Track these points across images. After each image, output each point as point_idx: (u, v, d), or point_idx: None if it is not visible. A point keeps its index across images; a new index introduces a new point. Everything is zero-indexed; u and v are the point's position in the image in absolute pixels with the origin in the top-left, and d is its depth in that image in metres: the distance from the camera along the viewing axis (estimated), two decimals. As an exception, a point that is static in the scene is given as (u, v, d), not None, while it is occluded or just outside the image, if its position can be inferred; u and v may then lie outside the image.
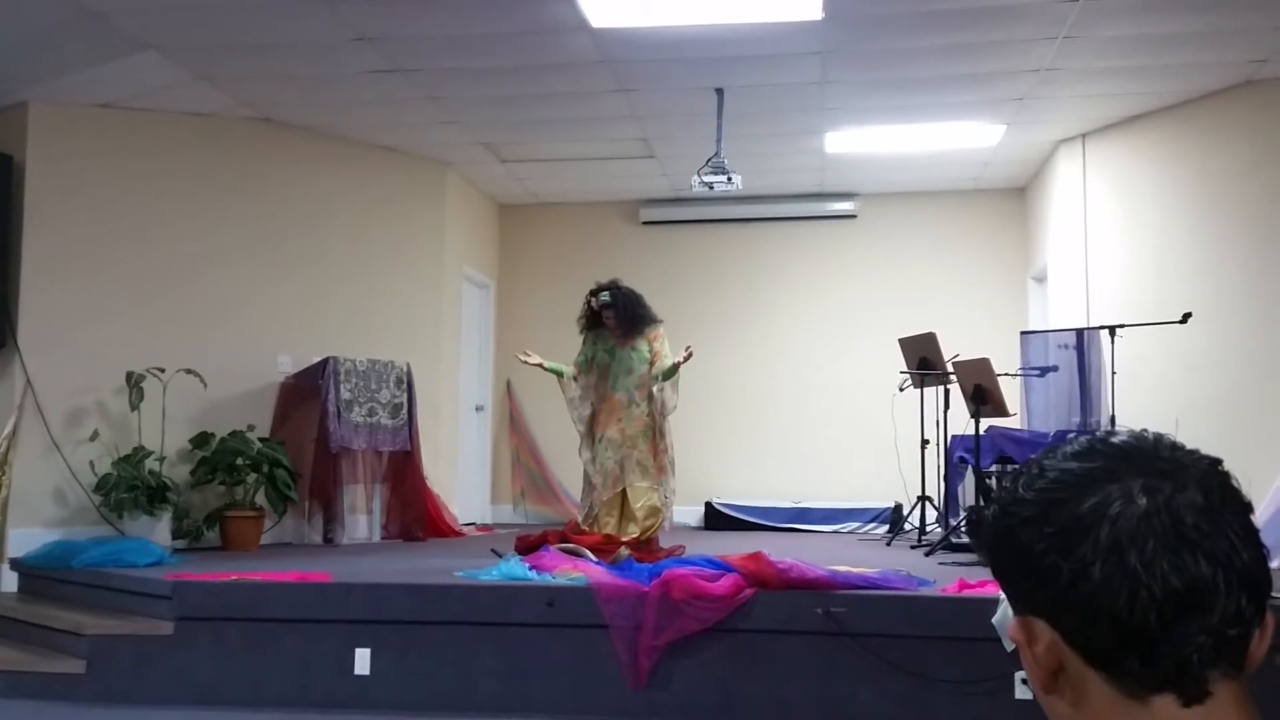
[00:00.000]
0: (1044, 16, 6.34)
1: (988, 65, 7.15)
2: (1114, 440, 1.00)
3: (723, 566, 5.25)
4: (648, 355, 6.59)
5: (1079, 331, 7.80)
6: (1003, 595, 1.04)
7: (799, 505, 9.86)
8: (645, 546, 6.36)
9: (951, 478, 7.83)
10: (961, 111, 8.13)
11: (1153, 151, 8.05)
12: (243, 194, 8.28)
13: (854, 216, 10.56)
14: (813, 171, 9.82)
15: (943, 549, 6.98)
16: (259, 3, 6.17)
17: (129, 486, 7.11)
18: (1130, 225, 8.21)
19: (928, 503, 7.91)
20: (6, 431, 7.11)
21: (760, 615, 5.05)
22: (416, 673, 5.19)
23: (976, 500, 7.43)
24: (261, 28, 6.52)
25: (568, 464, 9.50)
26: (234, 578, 5.64)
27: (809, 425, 10.38)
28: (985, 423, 7.31)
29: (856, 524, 9.60)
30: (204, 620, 5.39)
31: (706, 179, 7.71)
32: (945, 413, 7.72)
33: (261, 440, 7.75)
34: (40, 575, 6.55)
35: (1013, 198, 10.35)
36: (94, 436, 7.34)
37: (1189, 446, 0.99)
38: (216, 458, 7.52)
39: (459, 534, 8.70)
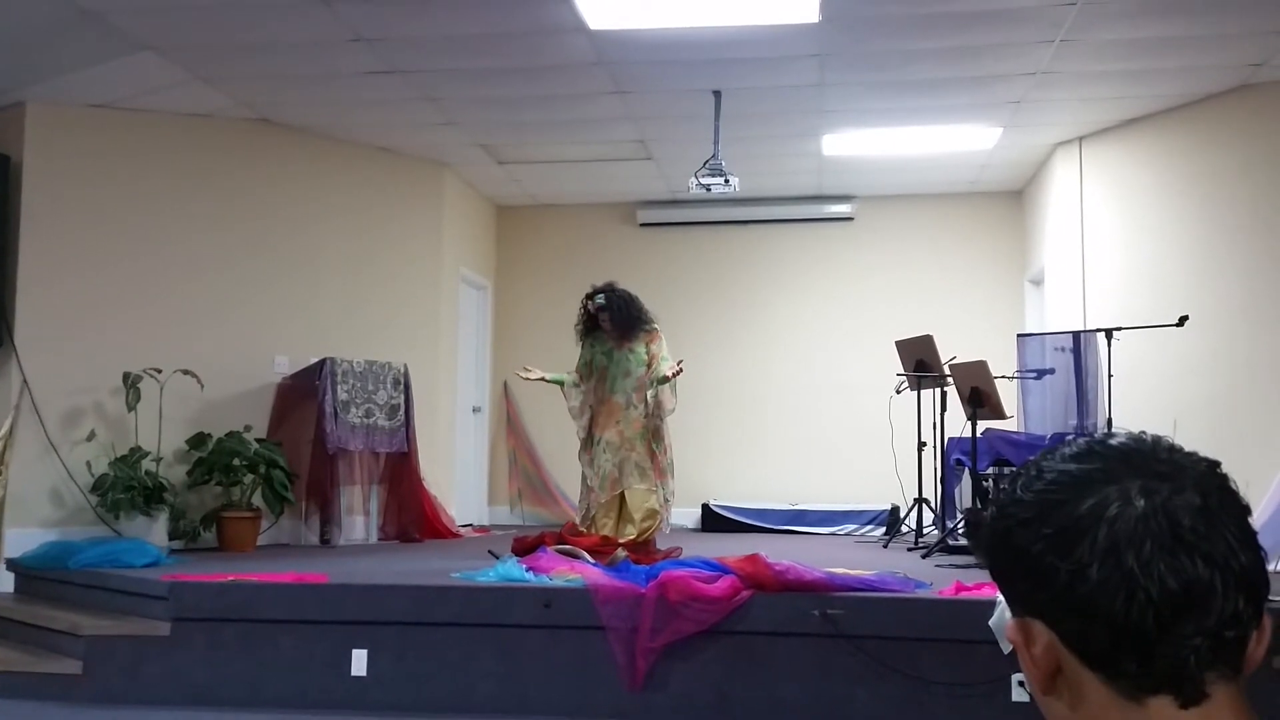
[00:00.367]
0: (1041, 20, 6.34)
1: (985, 68, 7.16)
2: (1112, 442, 1.00)
3: (720, 568, 5.26)
4: (645, 358, 6.61)
5: (1076, 334, 7.81)
6: (1000, 597, 1.04)
7: (796, 507, 9.86)
8: (642, 548, 6.37)
9: (948, 480, 7.84)
10: (958, 114, 8.14)
11: (1150, 155, 8.06)
12: (240, 195, 8.28)
13: (851, 219, 10.56)
14: (810, 174, 9.82)
15: (940, 551, 6.99)
16: (256, 3, 6.17)
17: (126, 487, 7.10)
18: (1127, 228, 8.22)
19: (924, 505, 7.91)
20: (3, 432, 7.10)
21: (757, 617, 5.05)
22: (413, 674, 5.19)
23: (973, 502, 7.43)
24: (259, 28, 6.51)
25: (565, 465, 9.51)
26: (231, 578, 5.63)
27: (806, 427, 10.38)
28: (982, 425, 7.31)
29: (853, 526, 9.60)
30: (200, 621, 5.39)
31: (704, 181, 7.72)
32: (942, 415, 7.72)
33: (258, 441, 7.75)
34: (37, 576, 6.54)
35: (1010, 200, 10.36)
36: (91, 437, 7.33)
37: (1187, 449, 1.00)
38: (213, 458, 7.52)
39: (456, 535, 8.70)
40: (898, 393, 8.13)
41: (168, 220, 7.94)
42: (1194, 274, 7.49)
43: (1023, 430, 7.94)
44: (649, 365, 6.60)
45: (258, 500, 7.66)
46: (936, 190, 10.29)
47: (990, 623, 4.62)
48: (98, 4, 6.13)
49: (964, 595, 5.06)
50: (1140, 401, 7.38)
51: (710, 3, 6.26)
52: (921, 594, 5.19)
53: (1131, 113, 8.01)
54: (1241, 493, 0.98)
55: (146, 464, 7.33)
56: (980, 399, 7.15)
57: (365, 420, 8.24)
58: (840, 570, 5.44)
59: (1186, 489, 0.95)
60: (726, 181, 7.68)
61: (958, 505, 7.82)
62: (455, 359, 9.88)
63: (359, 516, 8.30)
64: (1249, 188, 7.15)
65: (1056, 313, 9.07)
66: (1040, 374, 7.81)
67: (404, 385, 8.48)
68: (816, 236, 10.62)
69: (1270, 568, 1.17)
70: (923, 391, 8.03)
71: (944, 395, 7.76)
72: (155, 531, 7.20)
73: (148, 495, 7.18)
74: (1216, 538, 0.94)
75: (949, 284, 10.33)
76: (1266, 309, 6.93)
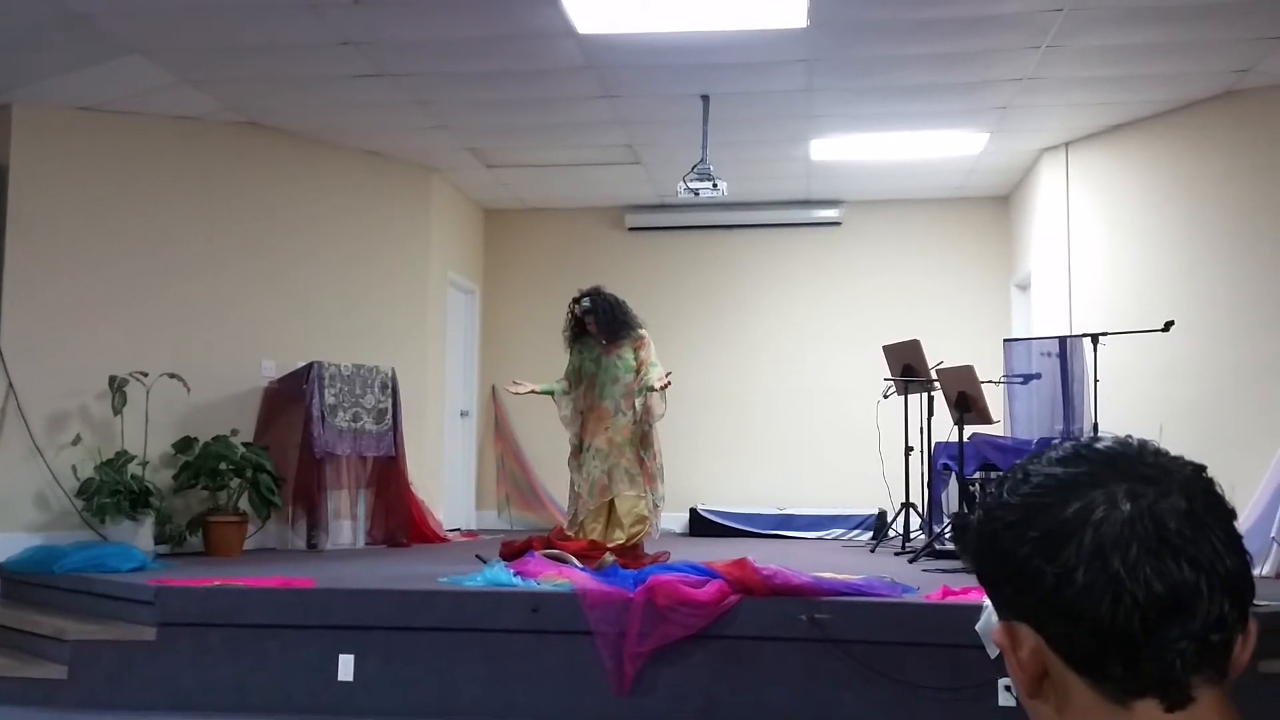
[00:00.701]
0: (1028, 26, 6.37)
1: (972, 74, 7.19)
2: (1098, 446, 1.00)
3: (707, 573, 5.26)
4: (634, 364, 6.61)
5: (1062, 339, 7.83)
6: (987, 601, 1.05)
7: (783, 512, 9.86)
8: (630, 553, 6.36)
9: (935, 484, 7.85)
10: (945, 120, 8.16)
11: (1135, 160, 8.10)
12: (228, 198, 8.26)
13: (839, 223, 10.58)
14: (798, 178, 9.84)
15: (926, 556, 7.00)
16: (245, 6, 6.16)
17: (111, 491, 7.08)
18: (1113, 233, 8.25)
19: (912, 509, 7.92)
20: (-12, 436, 7.07)
21: (745, 621, 5.05)
22: (400, 679, 5.17)
23: (960, 507, 7.45)
24: (247, 31, 6.50)
25: (553, 469, 9.49)
26: (217, 583, 5.61)
27: (793, 432, 10.39)
28: (969, 430, 7.33)
29: (841, 530, 9.61)
30: (186, 626, 5.37)
31: (692, 185, 7.72)
32: (929, 420, 7.73)
33: (245, 445, 7.72)
34: (22, 580, 6.51)
35: (996, 206, 10.39)
36: (76, 441, 7.31)
37: (1172, 453, 1.00)
38: (200, 463, 7.50)
39: (443, 539, 8.68)
40: (885, 397, 8.14)
41: (155, 224, 7.92)
42: (1180, 279, 7.52)
43: (1009, 435, 7.96)
44: (637, 371, 6.60)
45: (244, 504, 7.64)
46: (924, 195, 10.32)
47: (977, 627, 4.63)
48: (86, 6, 6.12)
49: (951, 600, 5.07)
50: (1126, 406, 7.41)
51: (699, 7, 6.27)
52: (908, 598, 5.20)
53: (1117, 119, 8.04)
54: (1227, 497, 0.98)
55: (132, 468, 7.30)
56: (967, 404, 7.16)
57: (353, 424, 8.22)
58: (828, 575, 5.45)
59: (1172, 493, 0.95)
60: (715, 186, 7.69)
61: (944, 510, 7.83)
62: (443, 363, 9.87)
63: (346, 521, 8.28)
64: (1234, 193, 7.18)
65: (1043, 318, 9.10)
66: (1027, 379, 7.83)
67: (392, 389, 8.46)
68: (804, 241, 10.63)
69: (1255, 572, 1.18)
70: (910, 396, 8.05)
71: (931, 400, 7.77)
72: (141, 536, 7.17)
73: (133, 499, 7.15)
74: (1202, 541, 0.94)
75: (936, 289, 10.36)
76: (1252, 313, 6.96)
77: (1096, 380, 6.97)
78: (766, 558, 5.67)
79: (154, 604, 5.42)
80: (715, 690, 5.02)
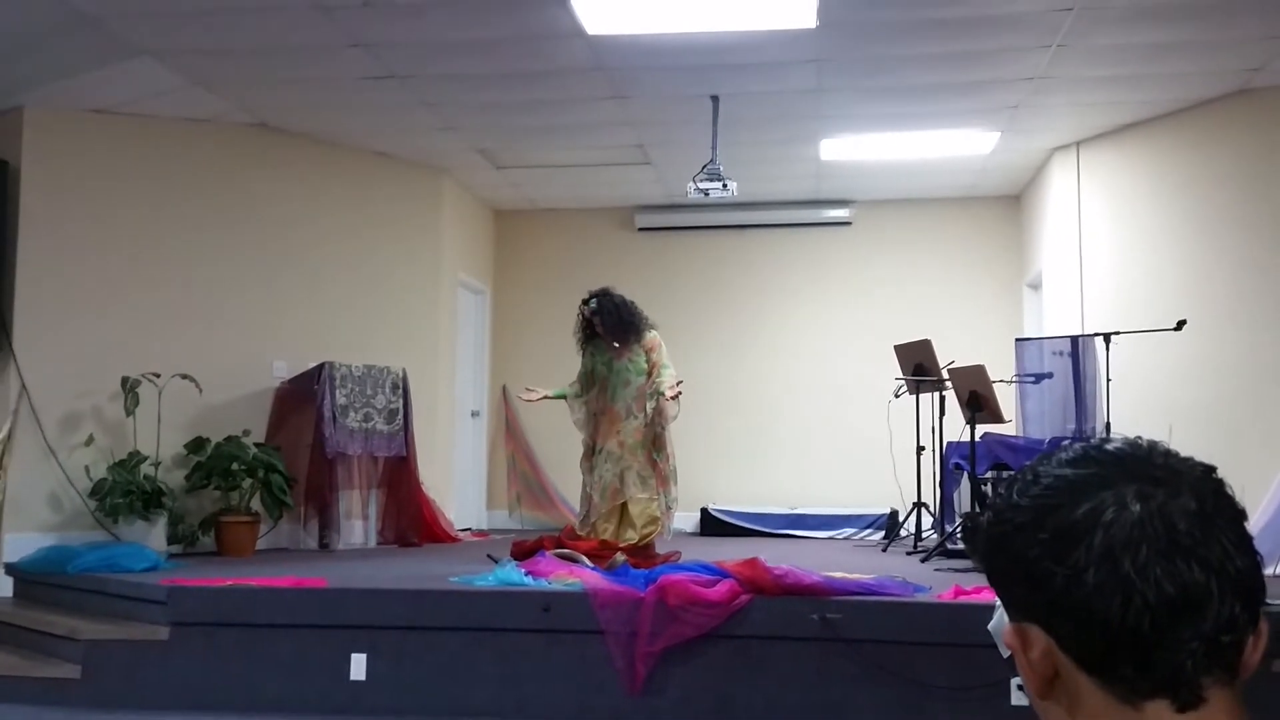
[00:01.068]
0: (1038, 25, 6.36)
1: (982, 73, 7.17)
2: (1108, 447, 1.01)
3: (719, 572, 5.26)
4: (645, 367, 6.60)
5: (1074, 338, 7.82)
6: (998, 601, 1.05)
7: (795, 511, 9.86)
8: (642, 552, 6.37)
9: (947, 484, 7.84)
10: (956, 119, 8.15)
11: (1147, 159, 8.07)
12: (238, 199, 8.28)
13: (849, 223, 10.57)
14: (808, 178, 9.83)
15: (938, 555, 6.99)
16: (255, 8, 6.18)
17: (124, 491, 7.10)
18: (1124, 232, 8.23)
19: (923, 509, 7.91)
20: (2, 436, 7.10)
21: (756, 621, 5.05)
22: (412, 678, 5.19)
23: (972, 506, 7.44)
24: (258, 33, 6.52)
25: (564, 469, 9.51)
26: (229, 583, 5.63)
27: (805, 431, 10.39)
28: (980, 429, 7.32)
29: (852, 530, 9.60)
30: (199, 625, 5.39)
31: (702, 185, 7.72)
32: (940, 419, 7.73)
33: (257, 445, 7.75)
34: (35, 580, 6.54)
35: (1007, 205, 10.37)
36: (89, 441, 7.33)
37: (1183, 454, 1.00)
38: (212, 463, 7.52)
39: (455, 539, 8.70)
40: (896, 397, 8.13)
41: (166, 225, 7.94)
42: (1191, 278, 7.50)
43: (1021, 434, 7.95)
44: (649, 374, 6.59)
45: (256, 505, 7.67)
46: (934, 195, 10.30)
47: (989, 627, 4.62)
48: (96, 9, 6.14)
49: (963, 599, 5.07)
50: (1136, 406, 7.39)
51: (708, 8, 6.27)
52: (920, 598, 5.20)
53: (1128, 118, 8.02)
54: (1237, 497, 0.98)
55: (145, 468, 7.33)
56: (979, 403, 7.16)
57: (364, 424, 8.24)
58: (839, 574, 5.45)
59: (1182, 494, 0.95)
60: (724, 186, 7.68)
61: (956, 509, 7.82)
62: (454, 363, 9.88)
63: (358, 521, 8.30)
64: (1246, 192, 7.16)
65: (1054, 317, 9.08)
66: (1038, 378, 7.82)
67: (403, 389, 8.48)
68: (814, 241, 10.63)
69: (1267, 572, 1.18)
70: (921, 395, 8.04)
71: (942, 399, 7.77)
72: (154, 536, 7.19)
73: (146, 500, 7.18)
74: (1212, 542, 0.94)
75: (947, 288, 10.34)
76: (1263, 313, 6.94)
77: (1108, 379, 6.96)
78: (778, 557, 5.67)
79: (167, 604, 5.44)
80: (726, 690, 5.02)
